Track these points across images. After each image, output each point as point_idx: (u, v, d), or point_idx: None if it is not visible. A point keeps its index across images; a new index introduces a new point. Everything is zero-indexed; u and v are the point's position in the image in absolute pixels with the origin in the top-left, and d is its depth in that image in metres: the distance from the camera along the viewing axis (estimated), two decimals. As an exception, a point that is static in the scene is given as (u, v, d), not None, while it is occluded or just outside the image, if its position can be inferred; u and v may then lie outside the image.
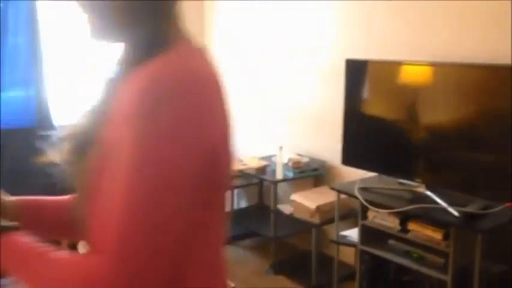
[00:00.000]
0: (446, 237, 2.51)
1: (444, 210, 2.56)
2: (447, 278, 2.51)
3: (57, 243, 0.87)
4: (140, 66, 0.77)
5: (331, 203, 3.23)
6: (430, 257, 2.62)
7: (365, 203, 2.79)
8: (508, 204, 2.47)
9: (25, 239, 0.82)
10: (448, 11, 2.89)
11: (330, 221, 3.28)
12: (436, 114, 2.76)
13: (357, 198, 2.85)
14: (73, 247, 1.12)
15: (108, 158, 0.78)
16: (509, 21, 2.60)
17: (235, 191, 4.37)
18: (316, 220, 3.33)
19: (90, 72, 3.43)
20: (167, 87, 0.73)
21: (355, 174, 3.24)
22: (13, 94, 3.56)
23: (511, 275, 2.52)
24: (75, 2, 0.83)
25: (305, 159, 3.67)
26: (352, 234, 3.08)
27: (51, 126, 3.50)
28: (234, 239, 4.05)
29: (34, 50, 3.57)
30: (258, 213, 4.06)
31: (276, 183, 3.56)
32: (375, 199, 2.80)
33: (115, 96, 0.81)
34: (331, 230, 3.39)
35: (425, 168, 2.86)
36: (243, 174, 3.83)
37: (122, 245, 0.72)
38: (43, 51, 3.61)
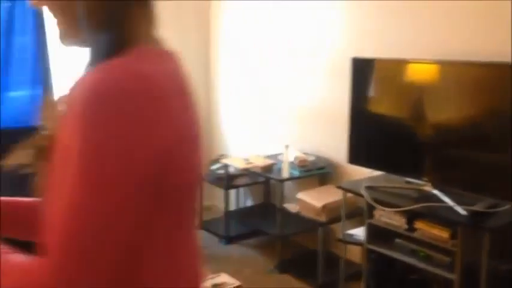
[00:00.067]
0: (453, 236, 2.51)
1: (451, 209, 2.56)
2: (454, 276, 2.51)
3: (29, 245, 0.86)
4: (94, 68, 0.77)
5: (337, 202, 3.23)
6: (437, 255, 2.62)
7: (371, 202, 2.78)
8: (516, 202, 2.46)
9: None
10: (455, 8, 2.88)
11: (336, 219, 3.27)
12: (443, 112, 2.75)
13: (363, 196, 2.84)
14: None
15: (62, 158, 0.78)
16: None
17: (241, 189, 4.37)
18: (322, 219, 3.33)
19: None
20: (110, 87, 0.72)
21: (361, 173, 3.24)
22: (20, 93, 3.58)
23: (519, 273, 2.51)
24: (45, 5, 0.84)
25: (311, 158, 3.67)
26: (359, 233, 3.07)
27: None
28: (240, 238, 4.06)
29: (41, 49, 3.59)
30: (264, 211, 4.06)
31: (282, 181, 3.56)
32: (382, 198, 2.79)
33: (68, 96, 0.80)
34: (337, 229, 3.39)
35: (432, 166, 2.85)
36: (249, 172, 3.83)
37: (62, 251, 0.70)
38: (49, 51, 3.63)
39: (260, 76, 4.25)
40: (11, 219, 1.02)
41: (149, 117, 0.74)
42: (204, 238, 4.08)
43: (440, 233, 2.55)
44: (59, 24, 0.86)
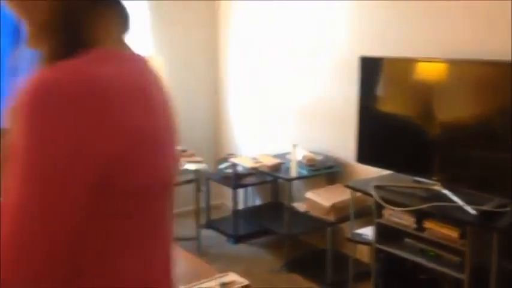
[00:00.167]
0: (462, 235, 2.49)
1: (460, 208, 2.55)
2: (463, 276, 2.49)
3: None
4: (43, 68, 0.77)
5: (345, 201, 3.22)
6: (446, 255, 2.60)
7: (380, 201, 2.77)
8: (526, 202, 2.44)
9: None
10: (463, 7, 2.86)
11: (345, 219, 3.27)
12: (452, 111, 2.74)
13: (372, 196, 2.83)
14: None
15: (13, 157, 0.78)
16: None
17: (249, 188, 4.38)
18: (330, 218, 3.32)
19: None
20: (51, 88, 0.72)
21: (370, 172, 3.23)
22: None
23: (529, 273, 2.49)
24: (12, 9, 0.84)
25: (319, 157, 3.66)
26: (367, 232, 3.06)
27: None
28: (248, 237, 4.06)
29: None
30: (273, 211, 4.06)
31: (290, 181, 3.56)
32: (391, 197, 2.78)
33: (17, 96, 0.80)
34: (345, 228, 3.38)
35: (442, 166, 2.84)
36: (257, 172, 3.83)
37: (2, 249, 0.71)
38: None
39: (267, 75, 4.25)
40: None
41: (91, 119, 0.73)
42: (212, 237, 4.09)
43: (449, 233, 2.54)
44: (27, 25, 0.85)
